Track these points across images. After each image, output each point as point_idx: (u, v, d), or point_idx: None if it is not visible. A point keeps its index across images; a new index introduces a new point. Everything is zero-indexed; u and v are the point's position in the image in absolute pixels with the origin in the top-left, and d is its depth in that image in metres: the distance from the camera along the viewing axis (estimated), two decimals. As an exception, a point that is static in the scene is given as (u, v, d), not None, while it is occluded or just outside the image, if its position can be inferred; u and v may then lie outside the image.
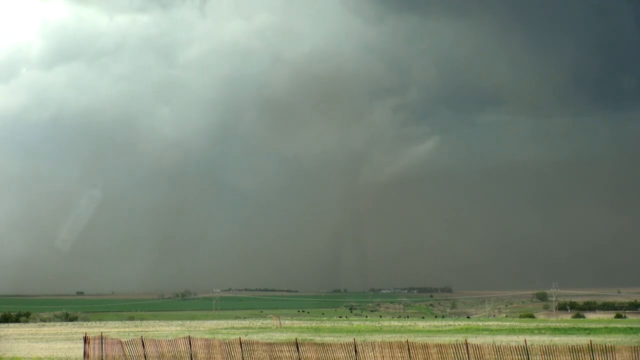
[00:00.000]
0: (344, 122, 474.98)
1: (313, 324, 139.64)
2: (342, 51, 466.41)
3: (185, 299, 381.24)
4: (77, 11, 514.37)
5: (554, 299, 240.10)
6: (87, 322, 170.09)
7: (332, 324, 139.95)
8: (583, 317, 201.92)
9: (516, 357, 46.73)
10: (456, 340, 55.84)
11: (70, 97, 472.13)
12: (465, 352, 47.72)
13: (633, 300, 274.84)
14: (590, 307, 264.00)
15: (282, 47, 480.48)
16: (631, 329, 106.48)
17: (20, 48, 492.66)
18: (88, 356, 59.86)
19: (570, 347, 45.97)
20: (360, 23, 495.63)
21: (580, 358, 45.10)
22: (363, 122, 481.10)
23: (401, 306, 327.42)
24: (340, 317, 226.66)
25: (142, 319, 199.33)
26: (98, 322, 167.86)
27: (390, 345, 50.38)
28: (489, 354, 47.31)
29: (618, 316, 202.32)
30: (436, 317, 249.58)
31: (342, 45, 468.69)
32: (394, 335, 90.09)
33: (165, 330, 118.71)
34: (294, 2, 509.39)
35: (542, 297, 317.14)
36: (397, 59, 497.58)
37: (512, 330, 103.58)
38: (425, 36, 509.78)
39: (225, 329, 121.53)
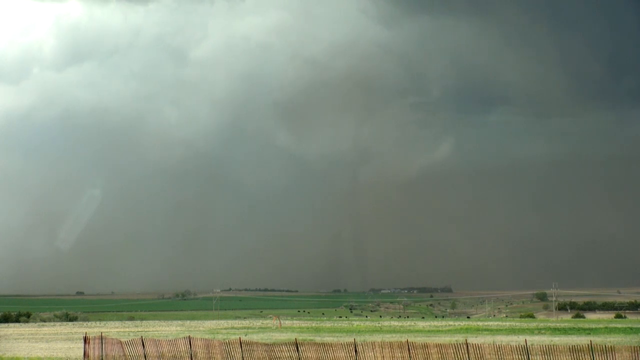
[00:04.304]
0: (350, 121, 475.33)
1: (313, 324, 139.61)
2: (355, 51, 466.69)
3: (185, 299, 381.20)
4: (90, 10, 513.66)
5: (554, 299, 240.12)
6: (87, 322, 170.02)
7: (332, 324, 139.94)
8: (583, 317, 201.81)
9: (516, 357, 46.73)
10: (456, 340, 55.84)
11: (79, 96, 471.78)
12: (465, 352, 47.72)
13: (633, 300, 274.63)
14: (590, 307, 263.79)
15: (296, 45, 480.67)
16: (631, 329, 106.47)
17: (32, 47, 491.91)
18: (88, 356, 59.87)
19: (571, 347, 45.98)
20: (374, 23, 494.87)
21: (581, 358, 45.11)
22: (368, 122, 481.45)
23: (401, 306, 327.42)
24: (340, 317, 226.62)
25: (142, 319, 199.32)
26: (98, 322, 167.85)
27: (390, 345, 50.39)
28: (489, 354, 47.31)
29: (618, 316, 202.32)
30: (436, 317, 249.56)
31: (356, 45, 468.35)
32: (394, 335, 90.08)
33: (165, 330, 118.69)
34: (309, 1, 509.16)
35: (542, 297, 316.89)
36: (408, 59, 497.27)
37: (512, 330, 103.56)
38: (438, 37, 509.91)
39: (225, 329, 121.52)
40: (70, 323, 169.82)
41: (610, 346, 45.58)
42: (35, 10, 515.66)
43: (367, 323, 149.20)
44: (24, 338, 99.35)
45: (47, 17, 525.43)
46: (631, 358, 44.25)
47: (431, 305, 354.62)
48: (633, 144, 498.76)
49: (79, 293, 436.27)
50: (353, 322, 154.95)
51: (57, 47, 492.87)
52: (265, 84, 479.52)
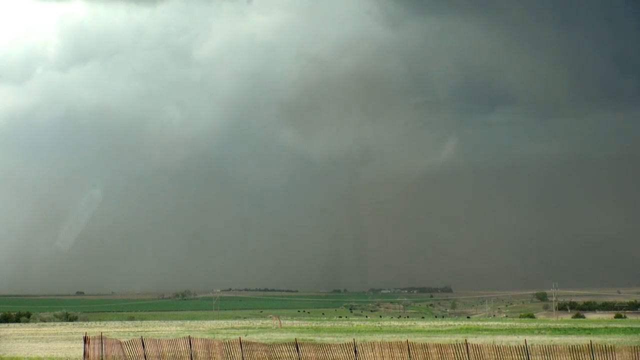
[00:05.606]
0: (353, 121, 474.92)
1: (313, 324, 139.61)
2: (359, 50, 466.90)
3: (185, 299, 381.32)
4: (94, 10, 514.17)
5: (554, 299, 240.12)
6: (87, 322, 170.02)
7: (332, 324, 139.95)
8: (583, 317, 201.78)
9: (516, 357, 46.74)
10: (456, 340, 55.84)
11: (82, 95, 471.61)
12: (465, 352, 47.73)
13: (633, 300, 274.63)
14: (590, 307, 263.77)
15: (300, 45, 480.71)
16: (631, 329, 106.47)
17: (36, 47, 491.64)
18: (88, 356, 59.87)
19: (571, 347, 45.99)
20: (378, 23, 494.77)
21: (581, 358, 45.11)
22: (372, 122, 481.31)
23: (401, 306, 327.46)
24: (340, 317, 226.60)
25: (142, 319, 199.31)
26: (98, 322, 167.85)
27: (390, 345, 50.40)
28: (489, 354, 47.32)
29: (618, 316, 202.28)
30: (436, 317, 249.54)
31: (360, 45, 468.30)
32: (393, 335, 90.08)
33: (165, 330, 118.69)
34: (314, 1, 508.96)
35: (542, 297, 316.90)
36: (412, 59, 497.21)
37: (512, 330, 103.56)
38: (441, 37, 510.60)
39: (225, 329, 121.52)
40: (70, 323, 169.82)
41: (610, 346, 45.57)
42: (39, 10, 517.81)
43: (367, 323, 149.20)
44: (24, 338, 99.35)
45: (51, 17, 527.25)
46: (631, 358, 44.24)
47: (431, 305, 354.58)
48: (634, 144, 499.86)
49: (79, 293, 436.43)
50: (353, 322, 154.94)
51: (61, 47, 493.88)
52: (269, 84, 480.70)
